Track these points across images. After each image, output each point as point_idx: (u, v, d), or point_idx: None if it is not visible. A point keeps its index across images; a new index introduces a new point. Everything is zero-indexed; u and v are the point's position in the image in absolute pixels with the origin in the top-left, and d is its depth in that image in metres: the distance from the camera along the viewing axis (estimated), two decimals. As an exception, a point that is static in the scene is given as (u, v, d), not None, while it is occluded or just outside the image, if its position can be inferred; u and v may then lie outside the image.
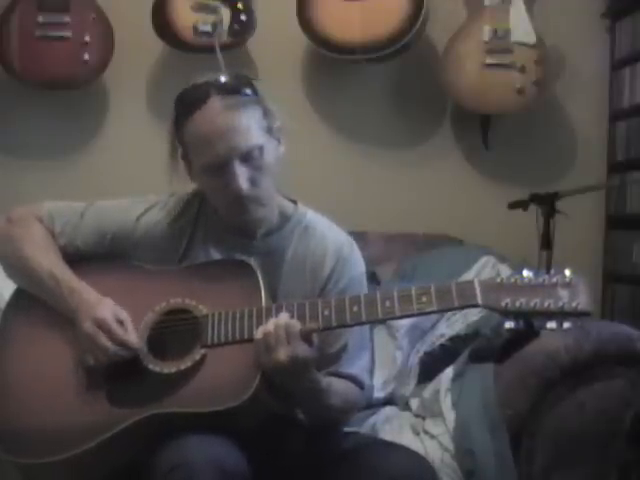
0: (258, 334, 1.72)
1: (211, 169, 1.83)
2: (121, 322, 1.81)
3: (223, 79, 1.86)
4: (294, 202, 2.00)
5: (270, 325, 1.71)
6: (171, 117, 1.89)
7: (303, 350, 1.71)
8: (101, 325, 1.80)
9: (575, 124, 3.50)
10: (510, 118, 3.42)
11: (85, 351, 1.82)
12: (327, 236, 1.97)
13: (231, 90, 1.84)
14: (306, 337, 1.72)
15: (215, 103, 1.82)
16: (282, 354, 1.69)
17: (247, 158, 1.82)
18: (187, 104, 1.85)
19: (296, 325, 1.71)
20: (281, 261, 1.94)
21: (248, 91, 1.86)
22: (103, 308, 1.82)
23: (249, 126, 1.83)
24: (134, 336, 1.80)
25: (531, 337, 2.07)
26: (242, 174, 1.82)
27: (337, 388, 1.86)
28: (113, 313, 1.82)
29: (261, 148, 1.84)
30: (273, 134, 1.88)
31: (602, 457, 2.08)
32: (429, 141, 3.49)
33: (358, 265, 1.99)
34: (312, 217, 1.99)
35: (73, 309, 1.85)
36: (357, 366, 1.92)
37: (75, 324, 1.84)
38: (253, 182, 1.83)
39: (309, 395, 1.80)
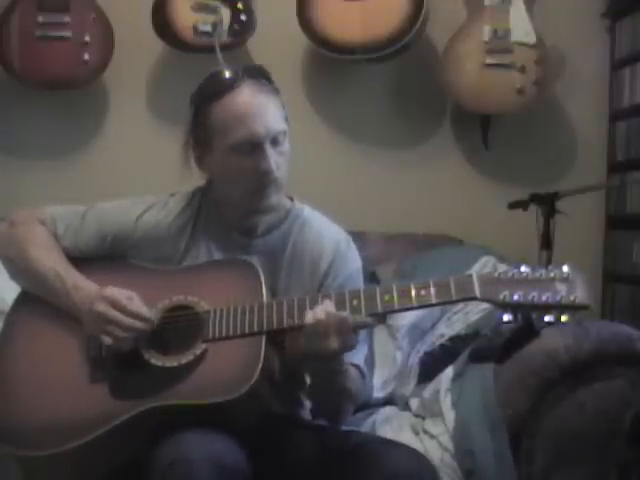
0: (309, 319, 1.73)
1: (243, 148, 1.86)
2: (130, 298, 1.82)
3: (250, 67, 1.93)
4: (290, 198, 2.02)
5: (321, 313, 1.72)
6: (193, 101, 1.92)
7: (352, 340, 1.74)
8: (111, 301, 1.81)
9: (575, 124, 3.50)
10: (510, 118, 3.42)
11: (100, 332, 1.82)
12: (324, 232, 1.99)
13: (260, 77, 1.91)
14: (355, 330, 1.74)
15: (249, 86, 1.88)
16: (334, 343, 1.71)
17: (275, 142, 1.87)
18: (219, 85, 1.88)
19: (349, 318, 1.72)
20: (280, 258, 1.95)
21: (271, 80, 1.93)
22: (109, 288, 1.84)
23: (278, 111, 1.90)
24: (144, 307, 1.82)
25: (531, 337, 2.08)
26: (272, 155, 1.86)
27: (351, 372, 1.89)
28: (119, 291, 1.83)
29: (285, 134, 1.90)
30: (288, 125, 1.93)
31: (602, 457, 2.08)
32: (429, 141, 3.49)
33: (355, 261, 2.01)
34: (309, 213, 2.02)
35: (78, 306, 1.86)
36: (358, 358, 1.94)
37: (80, 319, 1.85)
38: (277, 166, 1.87)
39: (332, 377, 1.82)
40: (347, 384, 1.86)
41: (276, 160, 1.86)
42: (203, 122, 1.89)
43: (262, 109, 1.86)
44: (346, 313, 1.73)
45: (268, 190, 1.88)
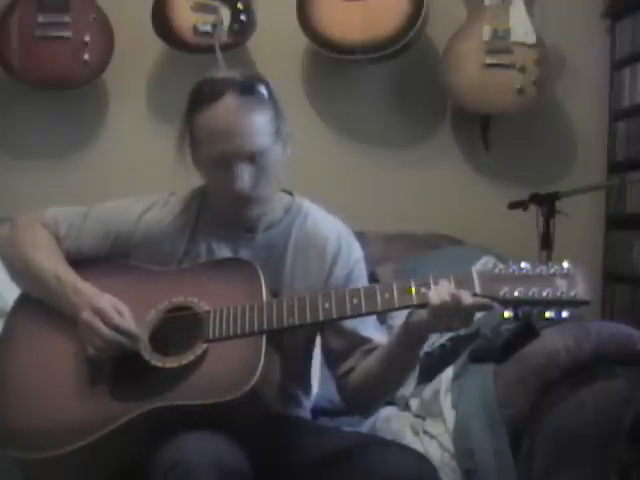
0: (434, 300, 1.71)
1: (214, 163, 1.86)
2: (119, 312, 1.82)
3: (240, 77, 1.89)
4: (290, 193, 2.02)
5: (445, 294, 1.71)
6: (186, 103, 1.91)
7: (472, 321, 1.74)
8: (98, 312, 1.81)
9: (575, 124, 3.50)
10: (510, 118, 3.42)
11: (85, 341, 1.83)
12: (326, 224, 2.00)
13: (247, 89, 1.87)
14: (478, 311, 1.75)
15: (230, 100, 1.84)
16: (456, 324, 1.73)
17: (252, 159, 1.85)
18: (203, 96, 1.87)
19: (473, 301, 1.71)
20: (284, 252, 1.96)
21: (263, 91, 1.89)
22: (102, 298, 1.84)
23: (258, 128, 1.85)
24: (132, 323, 1.81)
25: (531, 337, 2.08)
26: (243, 174, 1.84)
27: None
28: (111, 303, 1.83)
29: (266, 150, 1.86)
30: (281, 136, 1.90)
31: (602, 457, 2.08)
32: (429, 141, 3.49)
33: (358, 251, 2.02)
34: (309, 207, 2.02)
35: (76, 308, 1.86)
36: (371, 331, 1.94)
37: (77, 320, 1.85)
38: (254, 182, 1.86)
39: (419, 347, 1.84)
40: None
41: (253, 176, 1.85)
42: (192, 126, 1.90)
43: (238, 127, 1.83)
44: (468, 295, 1.71)
45: (244, 205, 1.88)
